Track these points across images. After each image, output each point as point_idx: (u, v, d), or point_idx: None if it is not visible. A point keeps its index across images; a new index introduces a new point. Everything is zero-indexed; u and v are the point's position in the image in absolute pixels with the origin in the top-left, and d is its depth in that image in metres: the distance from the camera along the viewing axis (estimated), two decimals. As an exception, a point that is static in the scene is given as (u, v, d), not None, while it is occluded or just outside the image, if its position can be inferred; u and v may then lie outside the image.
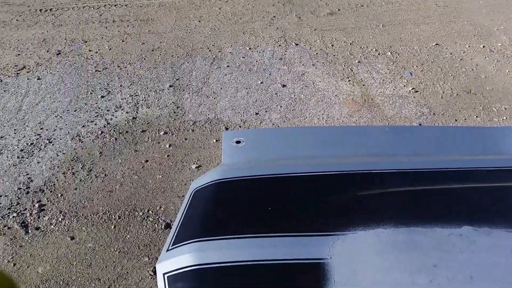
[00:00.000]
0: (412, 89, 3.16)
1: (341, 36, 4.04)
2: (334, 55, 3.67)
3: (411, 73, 3.38)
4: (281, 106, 2.98)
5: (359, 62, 3.56)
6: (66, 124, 2.88)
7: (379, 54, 3.70)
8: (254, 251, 1.76)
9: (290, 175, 2.12)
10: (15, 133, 2.81)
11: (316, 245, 1.79)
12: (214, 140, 2.68)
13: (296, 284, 1.63)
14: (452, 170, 2.17)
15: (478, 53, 3.69)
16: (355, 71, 3.41)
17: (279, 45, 3.86)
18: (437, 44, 3.87)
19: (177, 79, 3.38)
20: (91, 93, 3.22)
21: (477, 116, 2.85)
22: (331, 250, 1.74)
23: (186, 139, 2.71)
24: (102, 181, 2.39)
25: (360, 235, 1.79)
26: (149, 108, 3.03)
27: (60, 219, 2.16)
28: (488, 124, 2.76)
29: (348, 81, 3.28)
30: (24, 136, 2.78)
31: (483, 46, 3.81)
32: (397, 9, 4.71)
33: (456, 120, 2.81)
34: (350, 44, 3.88)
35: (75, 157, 2.57)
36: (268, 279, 1.64)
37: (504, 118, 2.83)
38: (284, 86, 3.22)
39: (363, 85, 3.23)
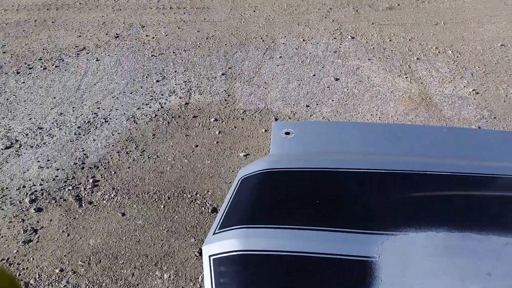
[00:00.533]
0: (473, 90, 3.00)
1: (399, 31, 3.90)
2: (392, 51, 3.55)
3: (472, 74, 3.21)
4: (332, 100, 2.93)
5: (417, 59, 3.42)
6: (122, 105, 2.99)
7: (439, 52, 3.53)
8: (301, 243, 1.74)
9: (340, 170, 2.08)
10: (73, 111, 2.94)
11: (364, 242, 1.74)
12: (263, 130, 2.68)
13: (341, 279, 1.60)
14: (510, 176, 2.05)
15: (548, 56, 3.45)
16: (413, 68, 3.29)
17: (334, 38, 3.79)
18: (502, 45, 3.64)
19: (229, 68, 3.40)
20: (146, 77, 3.32)
21: (542, 123, 2.66)
22: (380, 249, 1.69)
23: (235, 127, 2.73)
24: (154, 162, 2.46)
25: (411, 236, 1.73)
26: (201, 94, 3.08)
27: (112, 195, 2.24)
28: (555, 132, 2.57)
29: (406, 78, 3.16)
30: (82, 114, 2.92)
31: (555, 48, 3.55)
32: (460, 6, 4.48)
33: (519, 126, 2.64)
34: (409, 40, 3.73)
35: (129, 138, 2.67)
36: (313, 272, 1.62)
37: None
38: (337, 79, 3.16)
39: (421, 83, 3.10)
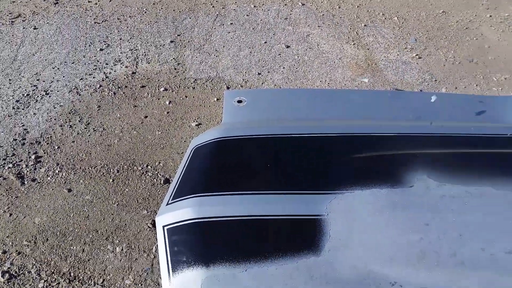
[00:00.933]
0: (416, 55, 3.11)
1: (348, -2, 3.92)
2: (341, 17, 3.57)
3: (416, 39, 3.31)
4: (284, 67, 2.93)
5: (365, 25, 3.47)
6: (63, 76, 2.81)
7: (385, 18, 3.60)
8: (252, 207, 1.77)
9: (290, 135, 2.11)
10: (10, 83, 2.74)
11: (313, 202, 1.80)
12: (215, 99, 2.64)
13: (293, 238, 1.65)
14: (447, 135, 2.17)
15: (484, 23, 3.61)
16: (361, 35, 3.34)
17: (285, 4, 3.74)
18: (444, 12, 3.77)
19: (178, 35, 3.29)
20: (89, 45, 3.13)
21: (477, 85, 2.82)
22: (328, 207, 1.76)
23: (186, 97, 2.67)
24: (100, 135, 2.37)
25: (357, 194, 1.81)
26: (149, 63, 2.96)
27: (57, 171, 2.15)
28: (486, 93, 2.74)
29: (353, 44, 3.21)
30: (20, 86, 2.73)
31: (490, 16, 3.72)
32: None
33: (456, 88, 2.78)
34: (357, 7, 3.77)
35: (72, 110, 2.53)
36: (266, 233, 1.66)
37: (502, 88, 2.81)
38: (288, 47, 3.15)
39: (368, 49, 3.16)
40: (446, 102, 2.44)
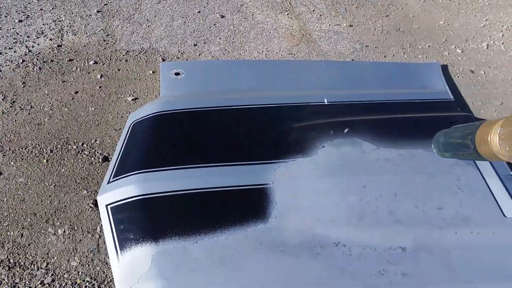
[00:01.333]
0: (346, 25, 3.23)
1: (279, -34, 3.91)
2: (273, -13, 3.58)
3: (346, 9, 3.42)
4: (220, 38, 2.90)
5: (297, -5, 3.52)
6: (-22, 51, 2.56)
7: (316, -12, 3.66)
8: (198, 180, 1.80)
9: (230, 107, 2.14)
10: None
11: (257, 172, 1.87)
12: (151, 72, 2.56)
13: (240, 208, 1.71)
14: (378, 102, 2.33)
15: (408, -8, 3.81)
16: (293, 5, 3.38)
17: (216, -28, 3.66)
18: (371, -19, 3.91)
19: (105, 4, 3.10)
20: (5, 16, 2.85)
21: (404, 53, 3.00)
22: (272, 176, 1.84)
23: (119, 70, 2.56)
24: (29, 113, 2.21)
25: (299, 162, 1.91)
26: (75, 35, 2.78)
27: (-18, 154, 1.99)
28: (413, 61, 2.93)
29: (287, 14, 3.25)
30: None
31: (413, -14, 3.93)
32: None
33: (385, 56, 2.94)
34: (289, -25, 3.78)
35: (-7, 88, 2.33)
36: (214, 205, 1.70)
37: (426, 55, 3.02)
38: (222, 17, 3.11)
39: (301, 19, 3.22)
40: (376, 70, 2.59)
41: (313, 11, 3.35)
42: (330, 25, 3.20)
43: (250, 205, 1.71)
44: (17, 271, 1.58)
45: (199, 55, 2.73)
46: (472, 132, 1.40)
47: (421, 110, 2.38)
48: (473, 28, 3.31)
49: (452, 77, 2.79)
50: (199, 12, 3.14)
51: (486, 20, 3.40)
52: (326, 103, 2.23)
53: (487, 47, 3.10)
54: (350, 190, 1.85)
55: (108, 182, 1.79)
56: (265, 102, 2.22)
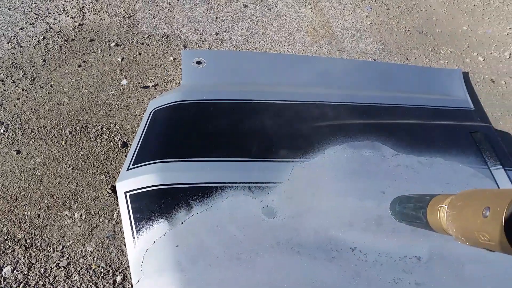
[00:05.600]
0: (370, 23, 3.18)
1: (305, -43, 3.84)
2: (298, -22, 3.52)
3: (371, 8, 3.37)
4: (242, 28, 2.86)
5: (321, -11, 3.46)
6: (-1, 24, 2.54)
7: (341, -18, 3.61)
8: (217, 174, 1.79)
9: (251, 101, 2.12)
10: None
11: (276, 170, 1.86)
12: (172, 58, 2.53)
13: (257, 204, 1.70)
14: (402, 106, 2.30)
15: (433, -6, 3.75)
16: (318, -1, 3.33)
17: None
18: (396, -20, 3.85)
19: (128, -15, 3.06)
20: (27, -11, 2.83)
21: (426, 57, 2.96)
22: (291, 174, 1.83)
23: (140, 54, 2.53)
24: (48, 92, 2.20)
25: (318, 162, 1.89)
26: (97, 14, 2.75)
27: (2, 131, 1.98)
28: (435, 65, 2.90)
29: (310, 8, 3.20)
30: None
31: (438, -13, 3.87)
32: None
33: (407, 59, 2.91)
34: (314, -32, 3.72)
35: (14, 63, 2.31)
36: (231, 200, 1.69)
37: (448, 61, 2.99)
38: (246, 6, 3.07)
39: (324, 14, 3.17)
40: (398, 73, 2.56)
41: (337, 6, 3.30)
42: (353, 22, 3.15)
43: (267, 203, 1.71)
44: (34, 251, 1.59)
45: (220, 44, 2.70)
46: (423, 206, 1.37)
47: (441, 117, 2.35)
48: (497, 36, 3.26)
49: (473, 85, 2.76)
50: (222, -1, 3.10)
51: (510, 28, 3.35)
52: (348, 103, 2.21)
53: (510, 57, 3.06)
54: (368, 194, 1.84)
55: (128, 169, 1.78)
56: (286, 98, 2.20)
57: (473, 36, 3.21)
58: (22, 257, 1.56)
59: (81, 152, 1.95)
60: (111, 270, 1.56)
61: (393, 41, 3.04)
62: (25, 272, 1.52)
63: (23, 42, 2.44)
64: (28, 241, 1.61)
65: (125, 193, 1.69)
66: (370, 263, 1.59)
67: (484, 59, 3.00)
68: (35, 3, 2.73)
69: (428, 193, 1.51)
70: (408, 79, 2.57)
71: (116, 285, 1.52)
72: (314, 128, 2.03)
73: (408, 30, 3.18)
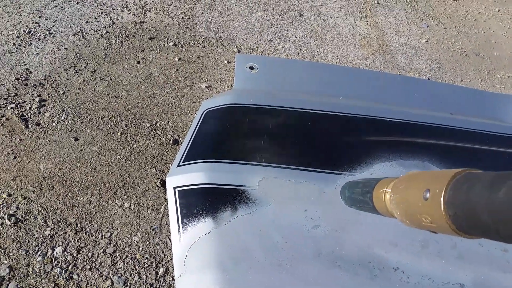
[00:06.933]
0: (426, 41, 3.12)
1: (363, -29, 3.83)
2: (355, -9, 3.51)
3: (427, 26, 3.31)
4: (296, 37, 2.88)
5: (378, 3, 3.42)
6: (67, 17, 2.68)
7: (398, -2, 3.57)
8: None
9: (304, 110, 2.12)
10: (9, 17, 2.59)
11: (323, 180, 1.85)
12: (226, 61, 2.59)
13: (300, 213, 1.70)
14: (450, 127, 2.24)
15: (493, 17, 3.63)
16: (373, 12, 3.30)
17: (299, -31, 3.64)
18: (455, 0, 3.76)
19: (188, -13, 3.16)
20: (95, -14, 2.97)
21: (481, 80, 2.87)
22: (337, 187, 1.81)
23: (196, 55, 2.60)
24: (107, 85, 2.30)
25: (365, 176, 1.86)
26: (157, 14, 2.85)
27: (62, 117, 2.09)
28: (490, 90, 2.81)
29: (366, 21, 3.18)
30: (20, 21, 2.58)
31: (498, 10, 3.74)
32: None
33: (462, 80, 2.83)
34: (372, -19, 3.70)
35: (78, 55, 2.43)
36: (276, 205, 1.70)
37: (505, 86, 2.88)
38: (301, 15, 3.09)
39: (380, 28, 3.14)
40: (452, 94, 2.50)
41: (393, 22, 3.26)
42: (408, 39, 3.10)
43: (311, 213, 1.71)
44: (83, 236, 1.66)
45: (273, 51, 2.73)
46: (369, 191, 1.32)
47: (495, 143, 2.27)
48: (560, 63, 3.12)
49: (531, 113, 2.65)
50: (278, 7, 3.13)
51: None
52: (400, 120, 2.18)
53: None
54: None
55: (178, 165, 1.82)
56: (337, 110, 2.19)
57: (535, 62, 3.09)
58: (73, 240, 1.63)
59: (135, 145, 2.02)
60: (154, 262, 1.61)
61: (448, 61, 2.97)
62: (74, 255, 1.58)
63: (87, 35, 2.56)
64: (79, 225, 1.69)
65: (174, 188, 1.73)
66: (411, 285, 1.56)
67: (544, 87, 2.88)
68: (101, -1, 2.87)
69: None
70: (461, 100, 2.50)
71: (158, 277, 1.57)
72: (364, 142, 2.01)
73: (465, 51, 3.10)
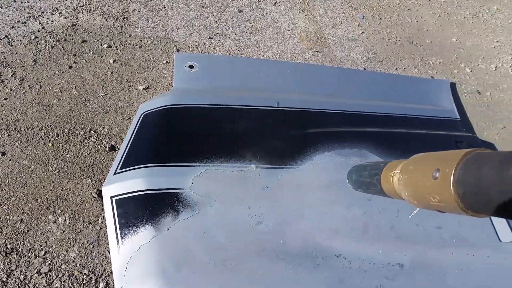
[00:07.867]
0: (362, 33, 3.20)
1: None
2: (292, -15, 3.54)
3: (363, 16, 3.40)
4: (236, 33, 2.87)
5: (316, -4, 3.48)
6: (-11, 22, 2.51)
7: (336, -9, 3.63)
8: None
9: (242, 107, 2.12)
10: None
11: (263, 176, 1.86)
12: (164, 62, 2.53)
13: (243, 210, 1.70)
14: (389, 115, 2.32)
15: (424, 6, 3.79)
16: (311, 6, 3.34)
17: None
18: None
19: (122, -14, 3.05)
20: (19, -12, 2.80)
21: (415, 67, 2.99)
22: (278, 181, 1.83)
23: (132, 56, 2.52)
24: (37, 93, 2.18)
25: (305, 169, 1.90)
26: (91, 15, 2.73)
27: (-12, 130, 1.96)
28: (423, 76, 2.93)
29: (304, 16, 3.21)
30: None
31: (429, 0, 3.91)
32: None
33: (396, 68, 2.93)
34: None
35: (3, 63, 2.29)
36: (219, 205, 1.68)
37: (437, 71, 3.02)
38: (240, 11, 3.07)
39: (318, 22, 3.19)
40: (387, 82, 2.58)
41: (330, 15, 3.32)
42: (345, 31, 3.17)
43: (254, 209, 1.70)
44: (14, 257, 1.56)
45: (213, 49, 2.70)
46: (377, 173, 1.39)
47: (428, 127, 2.38)
48: (484, 48, 3.30)
49: (459, 96, 2.79)
50: (217, 4, 3.10)
51: (497, 41, 3.40)
52: (337, 111, 2.22)
53: (496, 69, 3.10)
54: (355, 202, 1.84)
55: (115, 173, 1.76)
56: (276, 105, 2.20)
57: (462, 48, 3.25)
58: (2, 264, 1.54)
59: (68, 155, 1.93)
60: (93, 277, 1.55)
61: (383, 50, 3.06)
62: (4, 279, 1.49)
63: (14, 41, 2.41)
64: (9, 246, 1.59)
65: (111, 197, 1.67)
66: (354, 270, 1.60)
67: (471, 71, 3.04)
68: (28, 2, 2.71)
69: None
70: (396, 88, 2.60)
71: (98, 291, 1.51)
72: (303, 135, 2.04)
73: (399, 40, 3.21)
